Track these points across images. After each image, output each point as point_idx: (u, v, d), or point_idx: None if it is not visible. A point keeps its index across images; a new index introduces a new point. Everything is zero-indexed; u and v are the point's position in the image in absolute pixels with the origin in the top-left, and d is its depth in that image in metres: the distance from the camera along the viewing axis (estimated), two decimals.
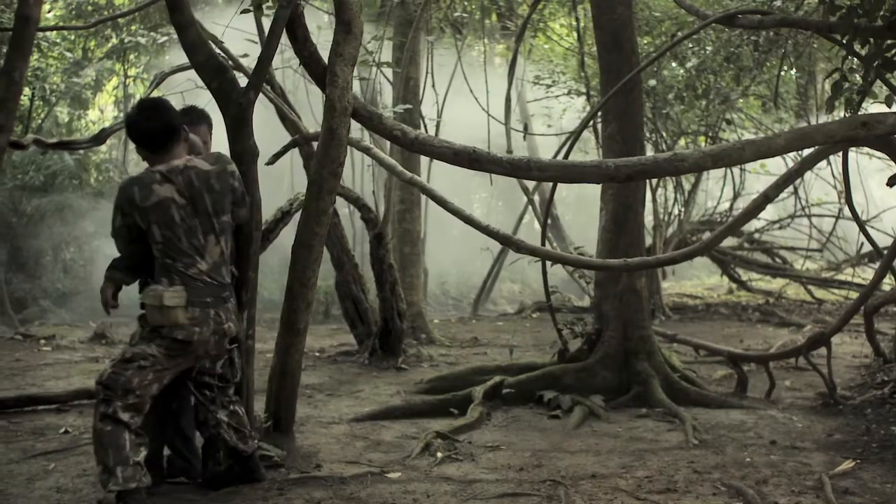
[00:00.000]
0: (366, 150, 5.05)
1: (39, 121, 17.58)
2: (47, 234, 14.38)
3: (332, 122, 4.00)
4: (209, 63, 3.84)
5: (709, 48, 8.11)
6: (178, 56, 13.72)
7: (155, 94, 7.43)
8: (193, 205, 3.68)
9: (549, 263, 6.06)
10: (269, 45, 3.79)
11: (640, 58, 6.29)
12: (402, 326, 7.56)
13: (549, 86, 10.92)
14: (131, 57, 17.73)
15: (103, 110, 18.66)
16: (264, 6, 4.24)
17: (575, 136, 5.81)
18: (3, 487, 4.21)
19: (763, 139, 4.32)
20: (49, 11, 16.52)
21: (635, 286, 6.06)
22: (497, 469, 4.57)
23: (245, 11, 4.20)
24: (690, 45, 8.14)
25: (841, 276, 11.72)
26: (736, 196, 11.73)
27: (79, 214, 14.60)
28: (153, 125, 3.64)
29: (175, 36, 13.27)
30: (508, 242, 4.68)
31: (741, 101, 9.77)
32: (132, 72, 18.16)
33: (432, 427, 5.43)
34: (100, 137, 7.09)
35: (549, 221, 16.12)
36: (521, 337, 9.38)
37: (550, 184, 12.61)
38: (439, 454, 4.76)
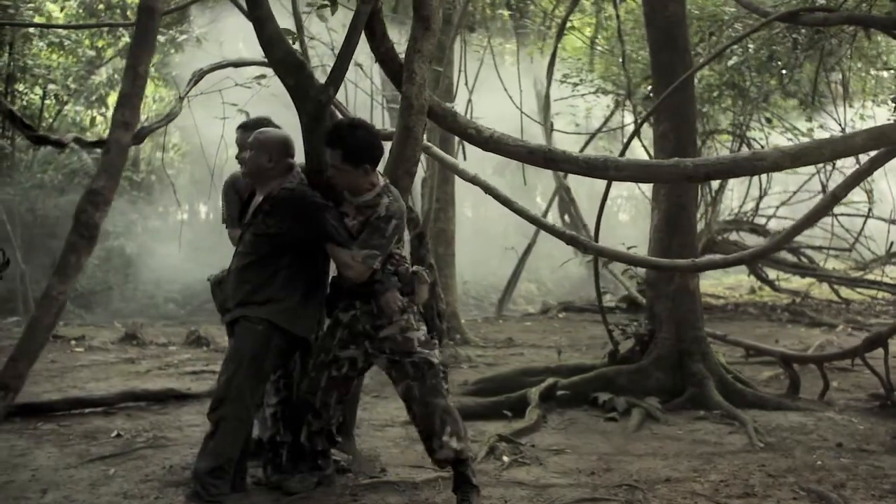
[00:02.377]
0: (425, 150, 4.96)
1: (51, 119, 17.48)
2: (63, 233, 14.27)
3: (409, 121, 3.92)
4: (287, 59, 3.75)
5: (751, 46, 8.03)
6: (192, 56, 13.64)
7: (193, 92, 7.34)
8: None
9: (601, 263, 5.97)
10: (349, 41, 3.70)
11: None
12: (443, 327, 7.45)
13: (575, 84, 10.84)
14: None
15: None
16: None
17: (631, 134, 5.73)
18: (67, 493, 4.12)
19: (841, 138, 4.25)
20: (61, 10, 16.44)
21: (689, 286, 5.99)
22: (567, 473, 4.49)
23: (322, 7, 4.12)
24: (735, 46, 8.05)
25: (869, 276, 11.65)
26: (762, 195, 11.66)
27: None
28: (374, 141, 3.72)
29: (194, 34, 13.16)
30: (575, 243, 4.61)
31: (779, 100, 9.71)
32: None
33: (487, 430, 5.36)
34: (138, 136, 7.01)
35: (568, 218, 15.95)
36: (554, 337, 9.31)
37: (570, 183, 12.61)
38: (505, 458, 4.68)
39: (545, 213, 12.45)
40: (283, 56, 3.75)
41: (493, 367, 7.58)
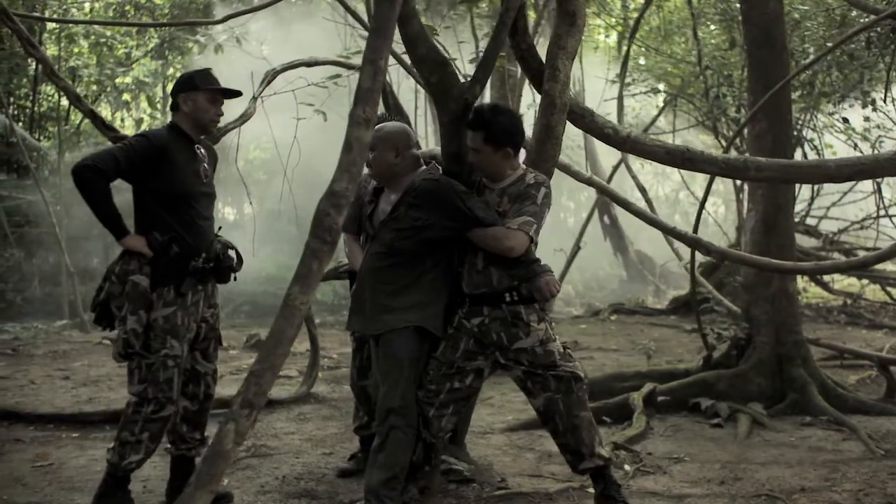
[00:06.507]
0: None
1: (77, 121, 17.37)
2: (97, 236, 14.14)
3: (551, 119, 3.79)
4: (430, 56, 3.62)
5: (828, 45, 7.89)
6: (207, 57, 13.49)
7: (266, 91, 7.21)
8: None
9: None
10: (497, 37, 3.58)
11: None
12: None
13: (628, 84, 10.70)
14: (168, 57, 17.61)
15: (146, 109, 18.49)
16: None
17: (734, 135, 5.61)
18: None
19: None
20: (90, 11, 16.39)
21: (788, 289, 5.85)
22: (696, 482, 4.36)
23: (464, 1, 4.01)
24: (806, 45, 7.93)
25: None
26: (814, 197, 11.52)
27: (126, 215, 14.33)
28: (517, 126, 3.64)
29: (235, 33, 13.02)
30: (697, 245, 4.48)
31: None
32: (169, 71, 18.02)
33: None
34: (214, 138, 6.89)
35: (608, 219, 15.74)
36: (615, 340, 9.18)
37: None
38: (627, 467, 4.56)
39: (590, 214, 12.34)
40: (425, 53, 3.62)
41: None
